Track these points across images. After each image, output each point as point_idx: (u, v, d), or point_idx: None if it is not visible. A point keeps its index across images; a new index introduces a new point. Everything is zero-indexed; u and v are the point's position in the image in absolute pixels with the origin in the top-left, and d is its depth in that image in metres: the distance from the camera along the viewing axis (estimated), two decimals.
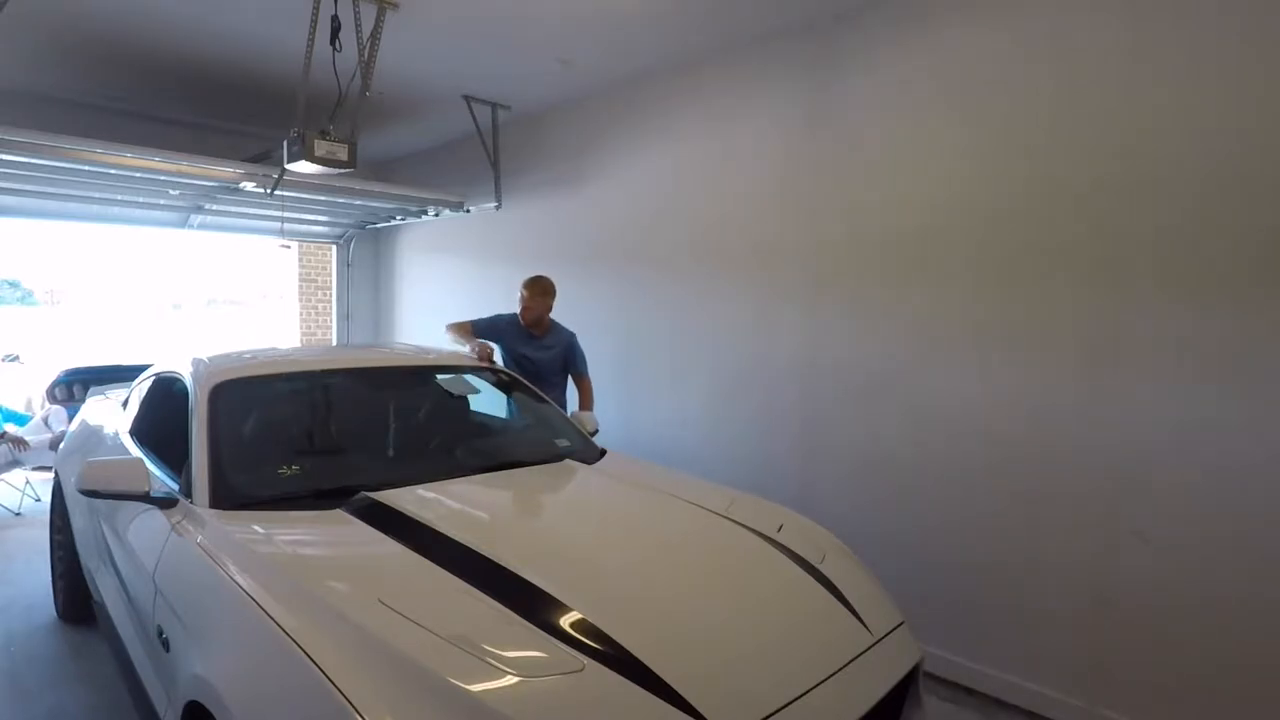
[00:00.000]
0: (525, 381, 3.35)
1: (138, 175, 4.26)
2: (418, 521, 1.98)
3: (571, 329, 3.99)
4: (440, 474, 2.39)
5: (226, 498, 2.12)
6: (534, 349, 3.88)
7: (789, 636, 1.75)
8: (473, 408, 3.18)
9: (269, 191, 4.43)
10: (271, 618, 1.53)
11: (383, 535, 1.91)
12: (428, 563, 1.76)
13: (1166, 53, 2.46)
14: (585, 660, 1.45)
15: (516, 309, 3.89)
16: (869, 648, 1.81)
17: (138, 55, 4.00)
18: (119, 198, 5.05)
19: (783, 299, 3.61)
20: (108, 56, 4.02)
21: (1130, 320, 2.55)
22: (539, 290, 3.86)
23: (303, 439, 2.70)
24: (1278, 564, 2.29)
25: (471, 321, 3.91)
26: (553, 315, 3.96)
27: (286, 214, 5.45)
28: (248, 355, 2.90)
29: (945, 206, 3.01)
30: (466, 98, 4.68)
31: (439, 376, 3.09)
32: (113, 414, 3.38)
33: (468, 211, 5.38)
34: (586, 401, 3.86)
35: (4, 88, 4.56)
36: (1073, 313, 2.68)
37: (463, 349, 3.56)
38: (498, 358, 3.67)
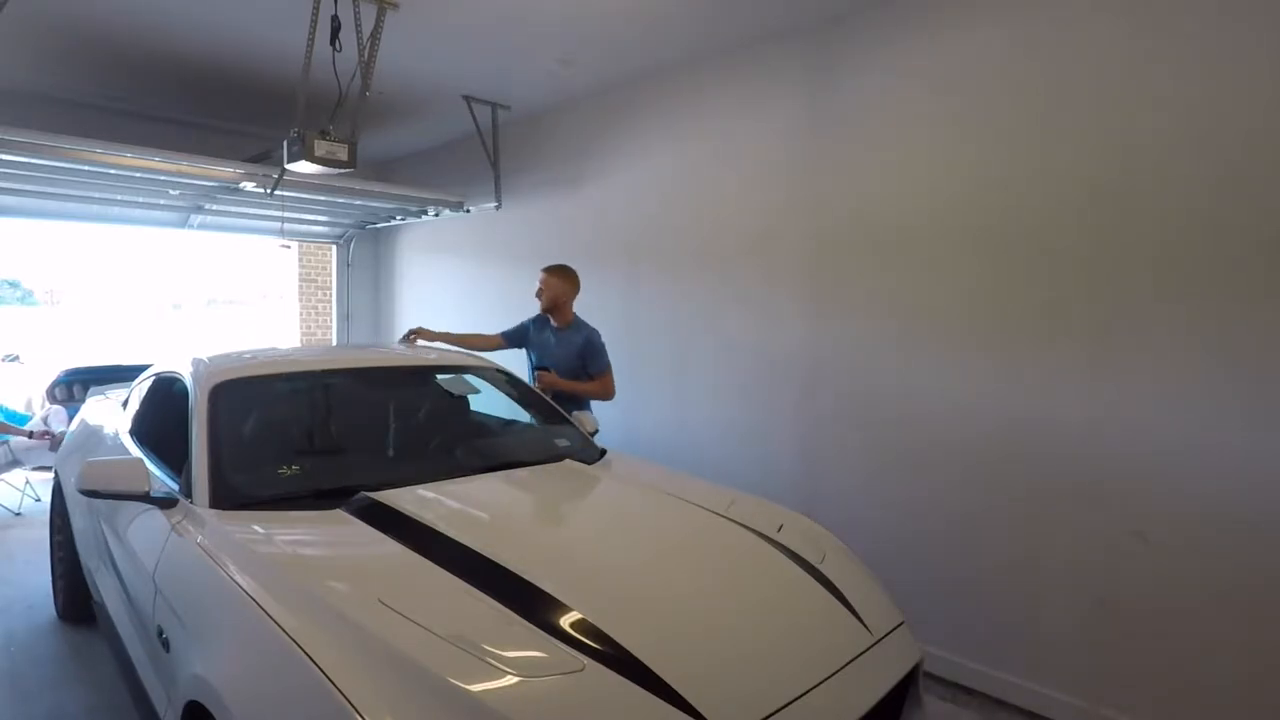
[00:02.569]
0: (526, 381, 3.35)
1: (138, 175, 4.25)
2: (418, 521, 1.97)
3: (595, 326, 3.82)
4: (440, 474, 2.39)
5: (226, 498, 2.12)
6: (551, 341, 3.77)
7: (789, 636, 1.75)
8: (472, 408, 3.18)
9: (269, 191, 4.43)
10: (271, 618, 1.54)
11: (382, 535, 1.91)
12: (428, 563, 1.76)
13: (1167, 52, 2.46)
14: (585, 660, 1.45)
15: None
16: (869, 648, 1.81)
17: (138, 55, 4.00)
18: (119, 198, 5.04)
19: (783, 299, 3.61)
20: (108, 56, 4.02)
21: (1131, 320, 2.55)
22: (555, 271, 3.77)
23: (303, 439, 2.70)
24: (1277, 564, 2.30)
25: (501, 333, 3.95)
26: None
27: (286, 214, 5.45)
28: (248, 355, 2.90)
29: (946, 207, 3.01)
30: (466, 98, 4.67)
31: (439, 376, 3.09)
32: (113, 414, 3.38)
33: (468, 211, 5.38)
34: (593, 391, 3.69)
35: (4, 88, 4.55)
36: (1074, 312, 2.68)
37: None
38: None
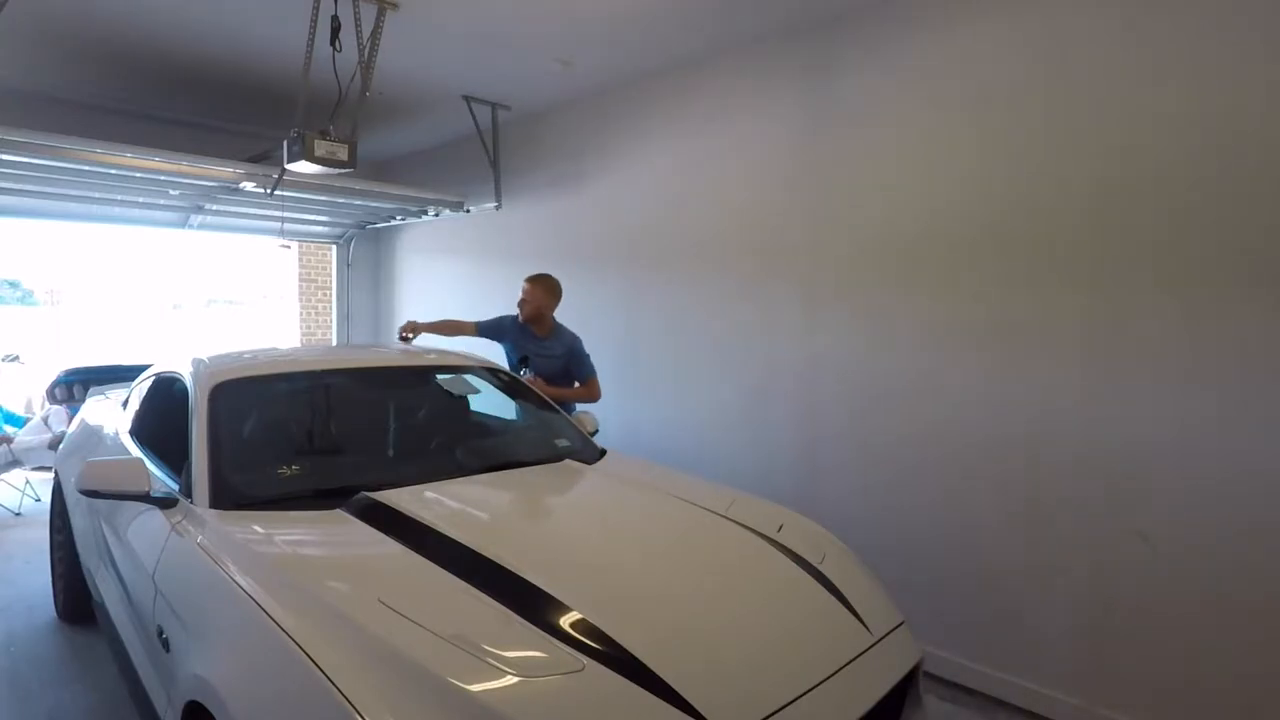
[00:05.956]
0: (524, 380, 3.35)
1: (138, 175, 4.25)
2: (418, 521, 1.98)
3: (575, 331, 3.92)
4: (440, 474, 2.39)
5: (226, 498, 2.12)
6: (536, 350, 3.81)
7: (789, 636, 1.75)
8: (472, 408, 3.18)
9: (269, 191, 4.43)
10: (271, 618, 1.54)
11: (383, 535, 1.91)
12: (427, 563, 1.76)
13: (1168, 52, 2.46)
14: (585, 660, 1.45)
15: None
16: (869, 648, 1.81)
17: (138, 55, 4.00)
18: (119, 198, 5.04)
19: (784, 300, 3.61)
20: (108, 56, 4.02)
21: (1131, 320, 2.55)
22: (538, 282, 3.83)
23: (303, 439, 2.70)
24: (1278, 563, 2.30)
25: (476, 322, 4.03)
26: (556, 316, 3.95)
27: (286, 214, 5.45)
28: (248, 355, 2.90)
29: (946, 206, 3.01)
30: (466, 98, 4.67)
31: (439, 376, 3.09)
32: (113, 414, 3.38)
33: (468, 211, 5.37)
34: (580, 396, 3.82)
35: (4, 88, 4.55)
36: (1074, 312, 2.68)
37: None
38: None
